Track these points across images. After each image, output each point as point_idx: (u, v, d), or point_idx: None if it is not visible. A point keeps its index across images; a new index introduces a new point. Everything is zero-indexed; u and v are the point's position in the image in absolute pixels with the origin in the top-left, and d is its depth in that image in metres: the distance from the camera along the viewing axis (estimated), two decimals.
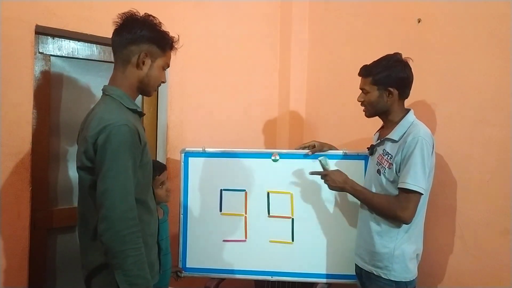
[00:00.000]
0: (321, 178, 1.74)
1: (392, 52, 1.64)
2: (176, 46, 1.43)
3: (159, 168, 1.79)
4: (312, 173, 1.79)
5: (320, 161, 1.73)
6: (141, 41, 1.33)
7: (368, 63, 1.65)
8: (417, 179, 1.47)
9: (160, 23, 1.39)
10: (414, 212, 1.50)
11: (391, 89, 1.58)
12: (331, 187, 1.70)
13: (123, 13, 1.35)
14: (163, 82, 1.45)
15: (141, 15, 1.36)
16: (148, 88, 1.40)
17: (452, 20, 1.79)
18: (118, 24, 1.35)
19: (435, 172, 1.62)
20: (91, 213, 1.25)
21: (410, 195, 1.49)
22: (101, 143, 1.19)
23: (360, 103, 1.68)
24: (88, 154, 1.22)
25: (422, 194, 1.49)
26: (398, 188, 1.52)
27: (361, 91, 1.67)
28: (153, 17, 1.38)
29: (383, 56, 1.63)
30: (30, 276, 1.82)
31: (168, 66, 1.44)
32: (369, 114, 1.68)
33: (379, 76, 1.58)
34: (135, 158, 1.24)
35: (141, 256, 1.20)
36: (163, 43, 1.38)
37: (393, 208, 1.52)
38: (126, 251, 1.16)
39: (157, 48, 1.36)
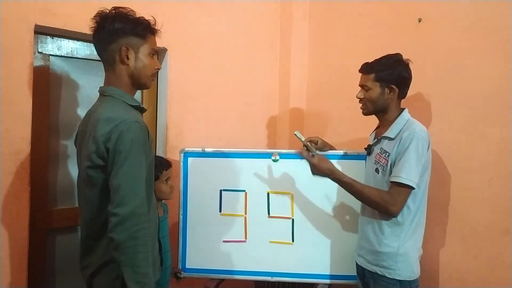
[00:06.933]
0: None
1: (392, 52, 1.65)
2: (156, 28, 1.36)
3: (165, 163, 1.81)
4: (299, 152, 1.71)
5: (295, 135, 1.68)
6: (116, 36, 1.28)
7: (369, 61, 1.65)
8: (411, 173, 1.49)
9: (131, 11, 1.31)
10: (403, 206, 1.53)
11: (393, 86, 1.60)
12: (314, 174, 1.67)
13: (94, 15, 1.31)
14: (158, 69, 1.39)
15: (109, 10, 1.29)
16: (141, 81, 1.35)
17: (452, 20, 1.79)
18: (93, 28, 1.31)
19: (434, 171, 1.63)
20: (98, 212, 1.24)
21: (401, 189, 1.51)
22: (114, 141, 1.18)
23: (359, 100, 1.68)
24: (100, 153, 1.21)
25: (414, 188, 1.50)
26: (391, 181, 1.53)
27: (360, 88, 1.68)
28: (123, 7, 1.31)
29: (386, 55, 1.64)
30: (29, 276, 1.81)
31: (156, 52, 1.38)
32: (367, 111, 1.69)
33: (383, 74, 1.60)
34: (146, 154, 1.24)
35: (149, 253, 1.20)
36: (139, 30, 1.30)
37: (385, 201, 1.53)
38: (137, 247, 1.15)
39: (135, 37, 1.30)
